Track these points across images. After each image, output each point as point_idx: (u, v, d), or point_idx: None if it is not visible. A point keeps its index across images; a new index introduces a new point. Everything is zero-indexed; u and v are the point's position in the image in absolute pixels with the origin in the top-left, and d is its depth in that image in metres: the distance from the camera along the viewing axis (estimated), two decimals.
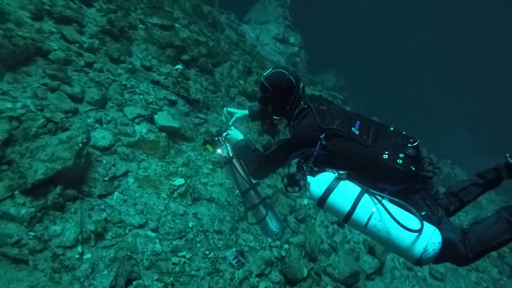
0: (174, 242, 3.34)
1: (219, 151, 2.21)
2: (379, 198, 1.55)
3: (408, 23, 21.81)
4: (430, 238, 1.45)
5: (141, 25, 6.03)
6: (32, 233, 2.70)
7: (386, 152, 1.63)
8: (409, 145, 1.67)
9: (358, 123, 1.77)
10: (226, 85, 6.42)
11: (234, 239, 3.75)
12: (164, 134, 4.31)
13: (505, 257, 7.20)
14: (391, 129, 1.80)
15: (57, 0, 4.71)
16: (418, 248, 1.45)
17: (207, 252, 3.49)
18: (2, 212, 2.66)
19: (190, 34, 6.87)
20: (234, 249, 2.44)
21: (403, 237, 1.47)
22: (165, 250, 3.23)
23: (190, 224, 3.61)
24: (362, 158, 1.65)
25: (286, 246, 4.14)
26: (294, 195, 5.08)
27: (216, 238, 3.69)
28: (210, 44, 6.83)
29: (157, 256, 3.16)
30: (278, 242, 4.10)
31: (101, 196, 3.26)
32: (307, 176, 1.78)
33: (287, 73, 1.93)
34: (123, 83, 4.55)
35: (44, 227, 2.79)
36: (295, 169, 1.96)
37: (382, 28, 18.63)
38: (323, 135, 1.72)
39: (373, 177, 1.64)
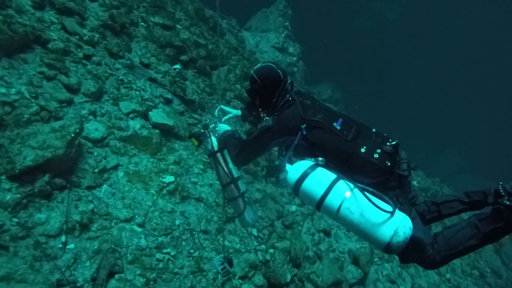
0: (160, 239, 3.33)
1: (203, 145, 2.27)
2: (354, 183, 1.58)
3: (406, 41, 22.30)
4: (401, 221, 1.45)
5: (142, 23, 6.07)
6: (15, 219, 2.67)
7: (364, 147, 1.68)
8: (387, 143, 1.72)
9: (340, 120, 1.82)
10: (221, 87, 6.47)
11: (223, 243, 3.75)
12: (157, 131, 4.32)
13: (486, 277, 7.29)
14: (373, 130, 1.84)
15: None
16: (389, 230, 1.43)
17: (192, 251, 3.48)
18: None
19: (190, 35, 6.94)
20: (222, 255, 2.45)
21: (375, 219, 1.46)
22: (150, 246, 3.22)
23: (177, 222, 3.61)
24: (340, 150, 1.70)
25: (271, 250, 4.15)
26: (282, 201, 5.11)
27: (202, 237, 3.69)
28: (210, 47, 6.90)
29: (142, 251, 3.14)
30: (263, 246, 4.11)
31: (89, 188, 3.24)
32: (286, 164, 1.82)
33: (275, 67, 2.03)
34: (120, 77, 4.57)
35: (28, 214, 2.76)
36: (276, 159, 2.03)
37: (380, 45, 18.99)
38: (304, 125, 1.79)
39: (349, 168, 1.68)
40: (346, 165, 1.69)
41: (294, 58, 13.62)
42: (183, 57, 6.13)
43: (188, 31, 7.13)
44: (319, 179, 1.63)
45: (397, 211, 1.49)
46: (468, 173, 22.15)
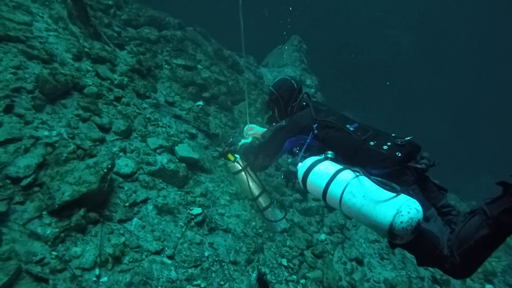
0: (190, 271, 3.31)
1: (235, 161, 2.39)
2: (360, 169, 1.54)
3: (422, 67, 22.30)
4: (406, 201, 1.31)
5: (166, 66, 6.51)
6: (54, 253, 2.78)
7: (374, 142, 1.67)
8: (400, 139, 1.68)
9: (356, 124, 1.84)
10: (247, 112, 6.66)
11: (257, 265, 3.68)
12: (183, 164, 4.46)
13: None
14: (392, 134, 1.80)
15: (95, 44, 5.24)
16: (391, 209, 1.28)
17: (222, 282, 3.41)
18: (30, 231, 2.77)
19: (211, 74, 7.32)
20: (256, 272, 2.47)
21: (378, 198, 1.35)
22: (180, 278, 3.20)
23: (206, 253, 3.59)
24: (350, 145, 1.71)
25: (302, 281, 3.99)
26: (311, 229, 4.98)
27: (232, 269, 3.63)
28: (230, 83, 7.23)
29: (172, 283, 3.12)
30: (294, 277, 3.97)
31: (121, 221, 3.34)
32: (298, 163, 1.85)
33: (289, 78, 2.22)
34: (147, 116, 4.84)
35: (65, 247, 2.86)
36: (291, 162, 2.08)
37: (395, 71, 19.10)
38: (316, 125, 1.85)
39: (359, 161, 1.66)
40: (356, 159, 1.68)
41: (312, 90, 13.88)
42: (205, 94, 6.45)
43: (209, 70, 7.54)
44: (324, 170, 1.63)
45: (403, 195, 1.36)
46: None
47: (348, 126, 1.81)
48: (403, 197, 1.35)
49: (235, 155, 2.47)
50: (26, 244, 2.70)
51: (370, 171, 1.58)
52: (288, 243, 4.43)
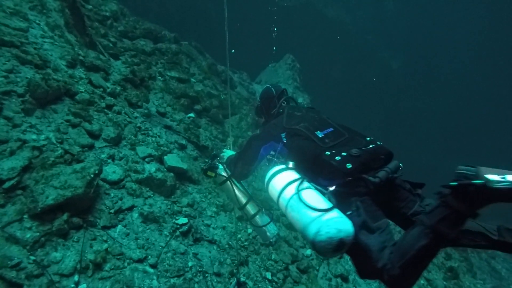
0: (172, 280, 3.26)
1: (217, 173, 2.42)
2: (305, 184, 1.63)
3: (412, 88, 22.96)
4: (327, 221, 1.38)
5: (160, 77, 6.60)
6: (32, 257, 2.72)
7: (332, 151, 1.67)
8: (362, 147, 1.67)
9: (330, 130, 1.86)
10: (234, 134, 6.72)
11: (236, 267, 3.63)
12: (172, 174, 4.46)
13: None
14: (367, 138, 1.81)
15: (90, 53, 5.31)
16: (313, 228, 1.39)
17: None
18: (9, 234, 2.72)
19: (204, 87, 7.43)
20: (235, 280, 2.44)
21: (306, 217, 1.45)
22: None
23: (190, 264, 3.55)
24: (309, 155, 1.74)
25: None
26: (297, 244, 4.97)
27: (215, 280, 3.58)
28: (222, 97, 7.34)
29: None
30: None
31: (104, 228, 3.30)
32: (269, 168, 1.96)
33: (270, 86, 2.38)
34: (138, 125, 4.87)
35: (45, 252, 2.81)
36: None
37: (385, 91, 19.63)
38: (284, 133, 1.94)
39: (313, 172, 1.70)
40: (312, 169, 1.72)
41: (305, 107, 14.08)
42: (197, 107, 6.52)
43: (202, 84, 7.65)
44: (278, 181, 1.74)
45: (332, 212, 1.43)
46: (494, 218, 21.05)
47: (318, 132, 1.82)
48: (329, 215, 1.42)
49: (219, 166, 2.48)
50: (3, 248, 2.64)
51: (322, 182, 1.64)
52: (273, 256, 4.41)
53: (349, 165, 1.56)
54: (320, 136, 1.80)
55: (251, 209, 2.43)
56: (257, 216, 2.41)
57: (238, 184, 2.47)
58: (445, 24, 22.29)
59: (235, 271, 3.74)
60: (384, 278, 1.39)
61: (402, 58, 21.79)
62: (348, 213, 1.49)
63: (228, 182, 2.44)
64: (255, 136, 2.11)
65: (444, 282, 6.99)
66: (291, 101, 2.48)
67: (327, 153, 1.67)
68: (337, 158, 1.61)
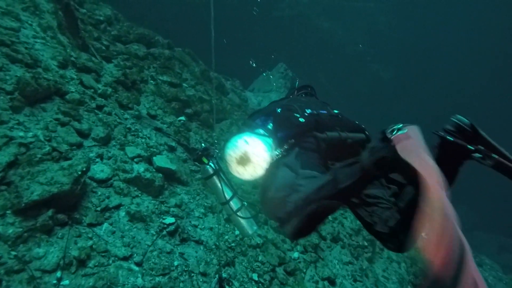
0: (157, 279, 3.25)
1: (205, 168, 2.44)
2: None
3: (401, 99, 23.39)
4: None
5: (152, 81, 6.65)
6: (13, 253, 2.70)
7: (303, 113, 1.76)
8: (329, 114, 1.80)
9: (323, 111, 1.93)
10: (215, 135, 6.77)
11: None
12: (160, 175, 4.47)
13: None
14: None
15: (82, 55, 5.35)
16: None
17: None
18: None
19: (195, 92, 7.49)
20: (217, 276, 2.45)
21: None
22: (146, 286, 3.13)
23: (176, 263, 3.54)
24: (283, 117, 1.87)
25: None
26: (284, 247, 4.98)
27: (201, 280, 3.57)
28: (214, 102, 7.40)
29: None
30: None
31: (90, 225, 3.29)
32: None
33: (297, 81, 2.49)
34: (128, 126, 4.89)
35: (27, 248, 2.79)
36: None
37: (378, 102, 19.97)
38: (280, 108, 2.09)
39: (278, 128, 1.85)
40: (280, 126, 1.85)
41: None
42: (188, 110, 6.57)
43: (194, 89, 7.71)
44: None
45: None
46: (482, 230, 21.30)
47: (307, 109, 1.91)
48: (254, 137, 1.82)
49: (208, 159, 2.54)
50: None
51: (279, 135, 1.79)
52: (260, 258, 4.41)
53: (302, 120, 1.66)
54: (308, 111, 1.81)
55: (234, 204, 2.48)
56: (240, 212, 2.46)
57: (225, 179, 2.51)
58: (435, 37, 22.92)
59: (217, 266, 3.74)
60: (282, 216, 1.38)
61: (393, 69, 22.27)
62: (278, 151, 1.61)
63: (215, 176, 2.48)
64: None
65: None
66: (309, 93, 2.55)
67: (296, 114, 1.74)
68: (297, 115, 1.70)
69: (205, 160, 2.53)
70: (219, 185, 2.46)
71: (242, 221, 2.46)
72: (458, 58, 24.08)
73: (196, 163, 2.56)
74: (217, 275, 2.44)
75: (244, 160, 1.56)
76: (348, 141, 1.69)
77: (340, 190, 1.30)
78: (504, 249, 18.74)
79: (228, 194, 2.47)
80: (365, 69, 20.59)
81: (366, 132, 1.82)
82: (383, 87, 21.41)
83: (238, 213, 2.49)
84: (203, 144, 2.65)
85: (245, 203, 2.53)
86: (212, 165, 2.54)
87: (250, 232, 2.44)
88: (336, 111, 2.04)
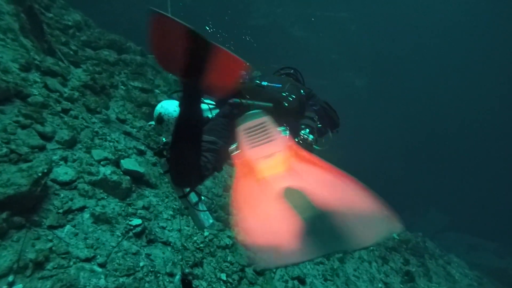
0: (121, 279, 3.21)
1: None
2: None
3: (375, 106, 24.21)
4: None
5: (122, 86, 6.61)
6: None
7: None
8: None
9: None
10: None
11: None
12: (128, 177, 4.43)
13: None
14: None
15: (48, 58, 5.27)
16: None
17: None
18: None
19: (168, 98, 7.49)
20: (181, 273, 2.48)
21: None
22: (109, 286, 3.09)
23: (141, 264, 3.51)
24: None
25: None
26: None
27: (167, 280, 3.56)
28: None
29: None
30: None
31: (51, 227, 3.22)
32: None
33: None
34: (95, 130, 4.83)
35: None
36: None
37: (350, 109, 20.58)
38: None
39: None
40: None
41: None
42: None
43: (166, 95, 7.71)
44: None
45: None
46: (453, 230, 22.20)
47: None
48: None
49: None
50: None
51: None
52: (229, 258, 4.44)
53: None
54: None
55: (192, 197, 2.54)
56: (198, 205, 2.53)
57: None
58: (406, 45, 24.05)
59: (180, 262, 3.75)
60: None
61: (366, 77, 23.09)
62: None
63: None
64: None
65: (401, 285, 7.27)
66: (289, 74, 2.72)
67: None
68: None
69: (166, 154, 2.58)
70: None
71: (199, 214, 2.54)
72: (430, 64, 25.37)
73: (156, 157, 2.61)
74: (179, 273, 2.47)
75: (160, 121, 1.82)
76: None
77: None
78: (473, 248, 19.61)
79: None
80: (339, 77, 21.24)
81: (283, 102, 2.00)
82: (357, 94, 22.12)
83: (197, 206, 2.56)
84: (163, 139, 2.70)
85: (203, 197, 2.60)
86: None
87: (206, 224, 2.51)
88: (272, 84, 2.20)
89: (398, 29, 23.79)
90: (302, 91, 2.35)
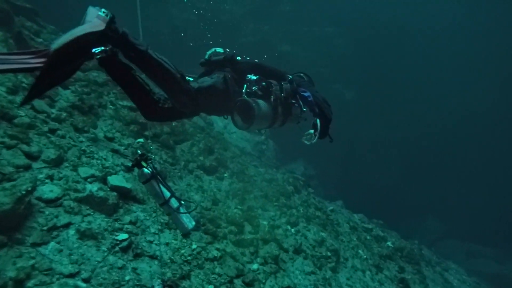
0: None
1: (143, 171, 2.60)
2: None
3: (366, 117, 24.57)
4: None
5: (111, 106, 6.73)
6: None
7: None
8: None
9: None
10: (184, 158, 6.87)
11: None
12: (115, 193, 4.48)
13: None
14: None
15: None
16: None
17: None
18: None
19: None
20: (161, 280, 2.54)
21: None
22: None
23: (127, 278, 3.53)
24: None
25: None
26: (243, 259, 5.05)
27: None
28: (173, 124, 7.55)
29: None
30: None
31: (34, 245, 3.25)
32: None
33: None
34: (82, 148, 4.91)
35: None
36: None
37: (344, 122, 20.89)
38: None
39: None
40: None
41: (262, 137, 14.65)
42: (147, 133, 6.65)
43: None
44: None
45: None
46: (451, 238, 22.15)
47: None
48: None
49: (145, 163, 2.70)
50: None
51: None
52: (217, 270, 4.45)
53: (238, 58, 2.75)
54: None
55: (173, 203, 2.65)
56: (180, 209, 2.64)
57: (162, 181, 2.69)
58: (393, 56, 24.72)
59: (160, 276, 3.76)
60: None
61: (355, 89, 23.56)
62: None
63: (153, 180, 2.64)
64: None
65: None
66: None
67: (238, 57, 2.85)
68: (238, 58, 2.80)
69: (144, 164, 2.69)
70: (157, 187, 2.64)
71: (181, 218, 2.64)
72: (419, 73, 25.97)
73: (135, 168, 2.71)
74: (159, 282, 2.54)
75: None
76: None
77: None
78: (471, 255, 19.53)
79: (166, 195, 2.65)
80: (328, 90, 21.66)
81: (237, 58, 2.75)
82: (347, 106, 22.49)
83: (178, 210, 2.67)
84: (138, 151, 2.84)
85: (183, 202, 2.70)
86: (150, 169, 2.71)
87: (190, 226, 2.61)
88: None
89: (385, 41, 24.51)
90: (290, 76, 2.93)
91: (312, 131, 2.81)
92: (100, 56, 1.74)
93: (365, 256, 7.87)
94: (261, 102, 2.56)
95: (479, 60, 25.79)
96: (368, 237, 9.16)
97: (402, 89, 26.45)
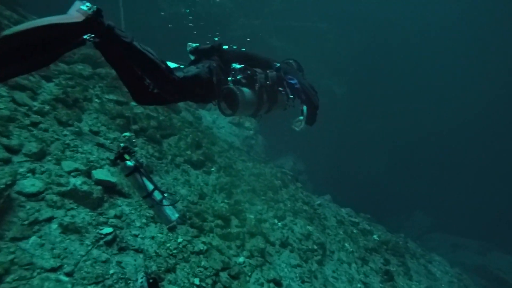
0: (89, 287, 3.22)
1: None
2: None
3: (356, 112, 24.86)
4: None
5: (96, 100, 6.63)
6: None
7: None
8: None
9: None
10: (172, 153, 6.84)
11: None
12: (99, 187, 4.45)
13: None
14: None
15: None
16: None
17: None
18: None
19: (143, 110, 7.55)
20: (144, 273, 2.55)
21: None
22: None
23: (111, 271, 3.52)
24: None
25: None
26: (229, 253, 5.08)
27: (138, 286, 3.57)
28: (161, 118, 7.49)
29: None
30: None
31: (14, 239, 3.21)
32: None
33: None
34: (66, 142, 4.84)
35: None
36: None
37: (332, 116, 21.04)
38: None
39: None
40: None
41: (251, 132, 14.68)
42: (134, 126, 6.59)
43: (142, 107, 7.76)
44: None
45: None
46: (438, 231, 22.70)
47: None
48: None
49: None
50: None
51: None
52: (203, 263, 4.47)
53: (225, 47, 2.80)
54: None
55: (156, 195, 2.65)
56: (162, 201, 2.65)
57: (145, 174, 2.69)
58: (384, 53, 24.97)
59: (143, 269, 3.78)
60: None
61: (346, 85, 23.76)
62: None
63: (136, 172, 2.64)
64: None
65: (381, 285, 7.40)
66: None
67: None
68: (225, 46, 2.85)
69: (127, 157, 2.68)
70: (140, 180, 2.64)
71: (164, 210, 2.66)
72: (410, 68, 26.35)
73: (118, 161, 2.70)
74: (143, 276, 2.55)
75: None
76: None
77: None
78: (457, 247, 20.09)
79: (149, 187, 2.65)
80: (319, 85, 21.77)
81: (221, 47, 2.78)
82: (337, 101, 22.66)
83: (162, 202, 2.68)
84: (121, 144, 2.82)
85: (166, 194, 2.72)
86: (133, 161, 2.70)
87: (173, 218, 2.63)
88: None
89: (376, 37, 24.72)
90: (278, 64, 2.98)
91: (302, 117, 2.91)
92: (97, 38, 1.74)
93: (351, 249, 8.01)
94: (245, 89, 2.61)
95: (469, 54, 26.22)
96: (354, 231, 9.32)
97: (392, 85, 26.81)
